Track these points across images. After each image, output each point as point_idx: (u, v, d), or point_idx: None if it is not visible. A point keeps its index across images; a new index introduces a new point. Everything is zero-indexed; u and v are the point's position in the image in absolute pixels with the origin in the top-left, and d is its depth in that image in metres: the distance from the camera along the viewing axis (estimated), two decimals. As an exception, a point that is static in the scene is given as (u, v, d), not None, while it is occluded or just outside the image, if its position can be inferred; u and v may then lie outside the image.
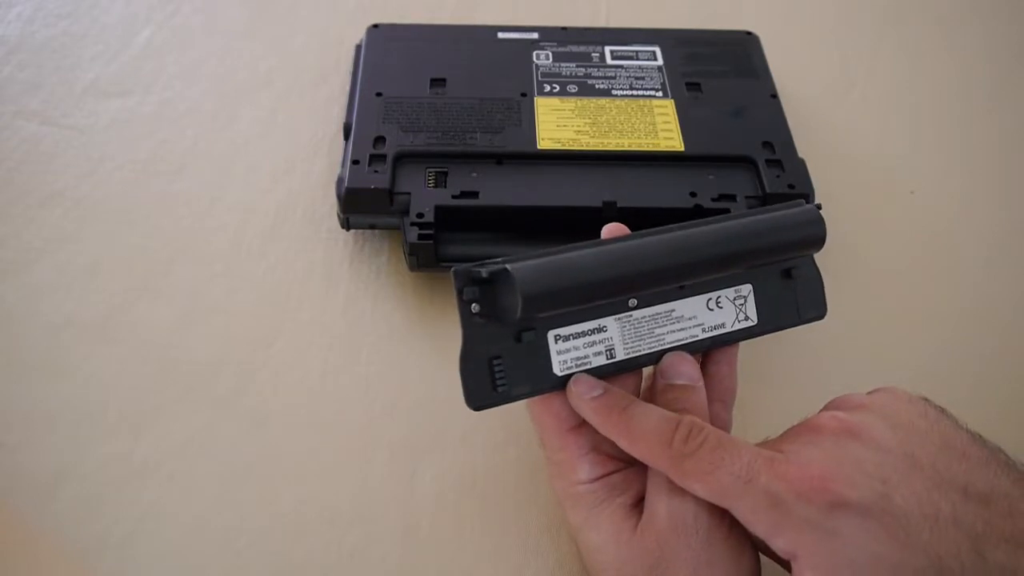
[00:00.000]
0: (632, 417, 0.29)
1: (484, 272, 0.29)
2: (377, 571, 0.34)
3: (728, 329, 0.33)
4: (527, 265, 0.28)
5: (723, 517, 0.29)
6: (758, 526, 0.27)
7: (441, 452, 0.37)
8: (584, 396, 0.30)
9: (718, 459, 0.27)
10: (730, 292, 0.33)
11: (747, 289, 0.33)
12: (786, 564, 0.27)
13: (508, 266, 0.28)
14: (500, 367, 0.30)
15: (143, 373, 0.39)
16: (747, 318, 0.33)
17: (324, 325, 0.41)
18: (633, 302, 0.31)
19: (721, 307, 0.33)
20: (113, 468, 0.36)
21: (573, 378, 0.30)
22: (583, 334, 0.31)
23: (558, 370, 0.30)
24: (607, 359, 0.31)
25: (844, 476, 0.26)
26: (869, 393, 0.31)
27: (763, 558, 0.30)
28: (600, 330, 0.31)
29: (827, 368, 0.40)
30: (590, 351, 0.31)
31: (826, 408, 0.31)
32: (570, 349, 0.31)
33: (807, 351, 0.39)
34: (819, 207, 0.32)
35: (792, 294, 0.34)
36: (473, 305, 0.29)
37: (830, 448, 0.27)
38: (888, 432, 0.28)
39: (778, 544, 0.26)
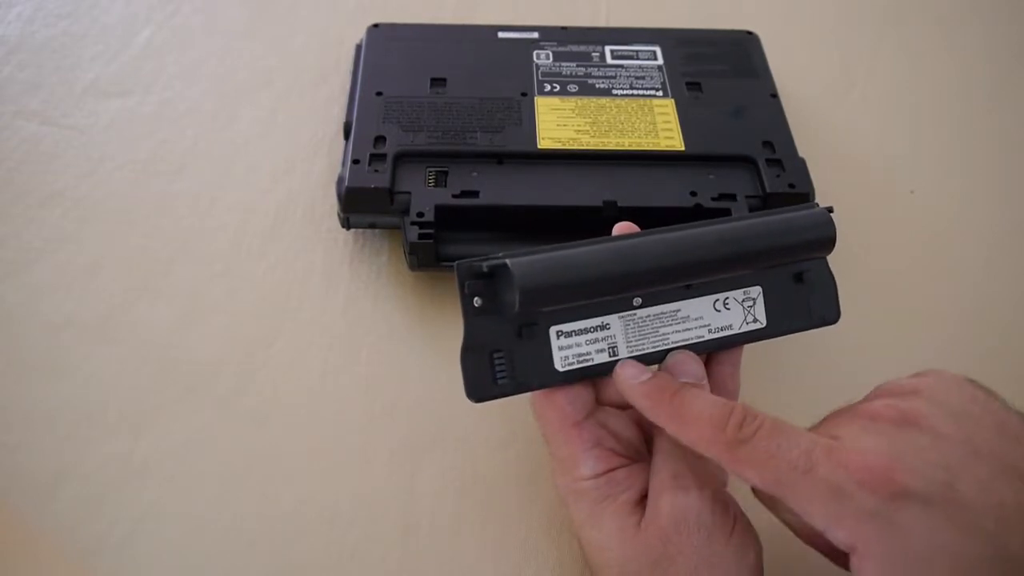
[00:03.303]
0: (683, 402, 0.29)
1: (485, 266, 0.29)
2: (377, 571, 0.34)
3: (735, 331, 0.33)
4: (526, 260, 0.28)
5: (727, 515, 0.29)
6: (816, 516, 0.26)
7: (441, 452, 0.37)
8: (633, 381, 0.30)
9: (775, 447, 0.26)
10: (739, 293, 0.33)
11: (756, 291, 0.33)
12: (842, 556, 0.26)
13: (508, 260, 0.28)
14: (501, 361, 0.30)
15: (143, 373, 0.39)
16: (755, 320, 0.33)
17: (324, 325, 0.41)
18: (638, 301, 0.31)
19: (729, 308, 0.33)
20: (113, 468, 0.36)
21: (620, 363, 0.30)
22: (586, 331, 0.31)
23: (559, 366, 0.31)
24: (609, 356, 0.31)
25: (907, 465, 0.25)
26: (914, 376, 0.30)
27: (766, 560, 0.30)
28: (603, 327, 0.31)
29: (826, 368, 0.40)
30: (592, 348, 0.31)
31: (874, 395, 0.30)
32: (572, 345, 0.31)
33: (806, 351, 0.39)
34: (830, 210, 0.32)
35: (804, 298, 0.34)
36: (475, 299, 0.30)
37: (890, 436, 0.27)
38: (946, 419, 0.27)
39: (837, 535, 0.25)
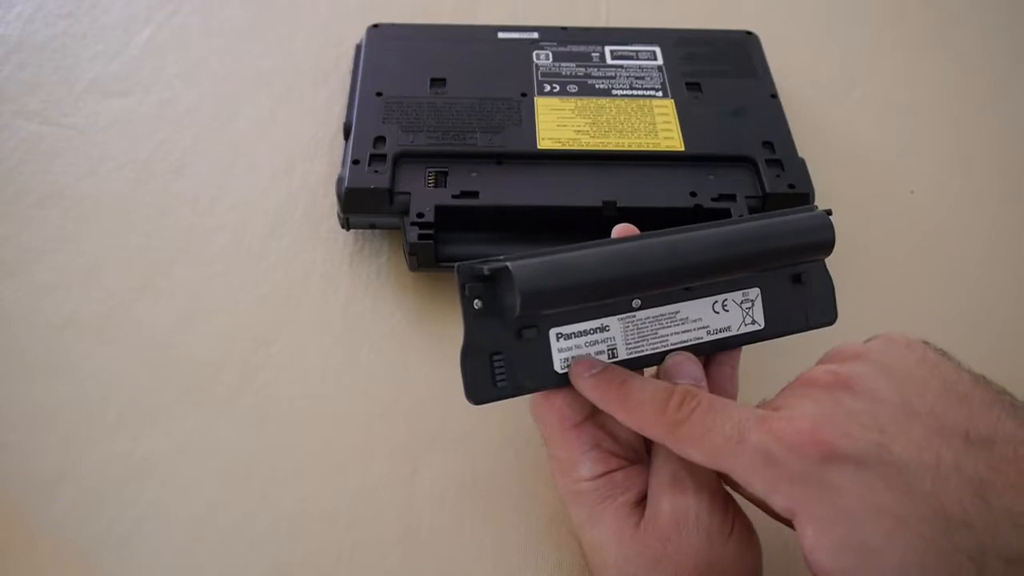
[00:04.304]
0: (629, 390, 0.29)
1: (486, 269, 0.29)
2: (377, 571, 0.34)
3: (734, 332, 0.33)
4: (527, 263, 0.28)
5: (726, 516, 0.29)
6: (755, 484, 0.26)
7: (441, 452, 0.37)
8: (583, 374, 0.30)
9: (710, 422, 0.27)
10: (737, 295, 0.33)
11: (755, 293, 0.33)
12: (788, 522, 0.26)
13: (509, 264, 0.28)
14: (500, 363, 0.30)
15: (143, 373, 0.39)
16: (754, 322, 0.33)
17: (324, 325, 0.41)
18: (637, 303, 0.31)
19: (727, 310, 0.33)
20: (113, 468, 0.36)
21: (575, 359, 0.31)
22: (585, 333, 0.31)
23: (559, 367, 0.31)
24: (609, 358, 0.31)
25: (837, 428, 0.26)
26: (866, 341, 0.30)
27: (765, 560, 0.30)
28: (603, 329, 0.31)
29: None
30: (592, 350, 0.31)
31: (821, 361, 0.30)
32: (571, 347, 0.31)
33: (804, 351, 0.39)
34: (829, 213, 0.32)
35: (801, 299, 0.34)
36: (476, 301, 0.30)
37: (823, 401, 0.27)
38: (884, 381, 0.27)
39: (776, 501, 0.26)
